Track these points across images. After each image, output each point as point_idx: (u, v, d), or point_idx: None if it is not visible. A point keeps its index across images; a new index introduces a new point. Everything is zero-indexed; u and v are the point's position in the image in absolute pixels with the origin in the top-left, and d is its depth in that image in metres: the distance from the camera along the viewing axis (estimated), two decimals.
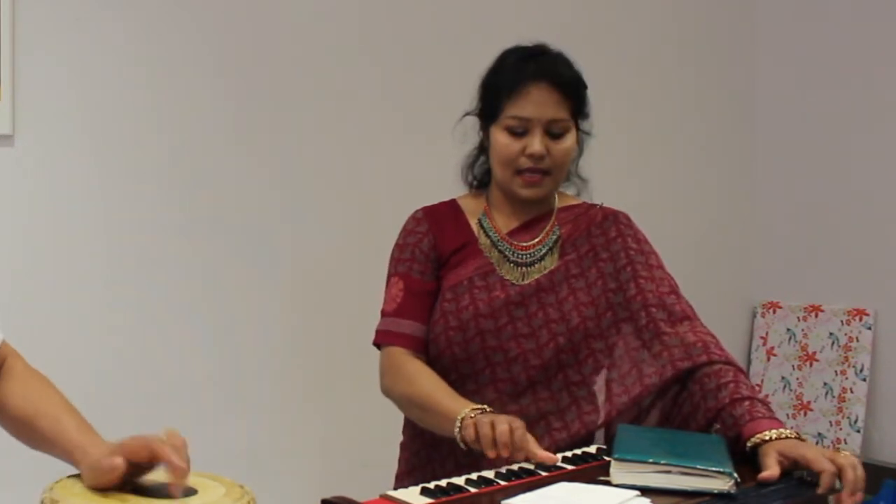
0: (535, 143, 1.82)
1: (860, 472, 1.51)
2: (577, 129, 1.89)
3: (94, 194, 2.57)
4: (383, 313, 1.92)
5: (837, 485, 1.51)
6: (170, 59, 2.68)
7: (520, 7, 3.31)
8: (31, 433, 1.43)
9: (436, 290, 1.90)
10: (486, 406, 1.73)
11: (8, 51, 2.39)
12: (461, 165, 2.01)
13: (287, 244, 2.90)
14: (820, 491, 1.49)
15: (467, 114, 1.96)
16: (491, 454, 1.59)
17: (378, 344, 1.92)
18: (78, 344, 2.55)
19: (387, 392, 1.89)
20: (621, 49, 3.61)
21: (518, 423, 1.63)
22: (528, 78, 1.83)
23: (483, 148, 1.97)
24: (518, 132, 1.83)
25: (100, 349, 2.59)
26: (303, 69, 2.91)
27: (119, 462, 1.26)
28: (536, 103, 1.82)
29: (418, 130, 3.07)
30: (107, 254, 2.60)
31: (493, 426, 1.61)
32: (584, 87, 1.89)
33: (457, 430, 1.69)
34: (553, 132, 1.83)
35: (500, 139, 1.85)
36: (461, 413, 1.70)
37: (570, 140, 1.86)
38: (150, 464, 1.29)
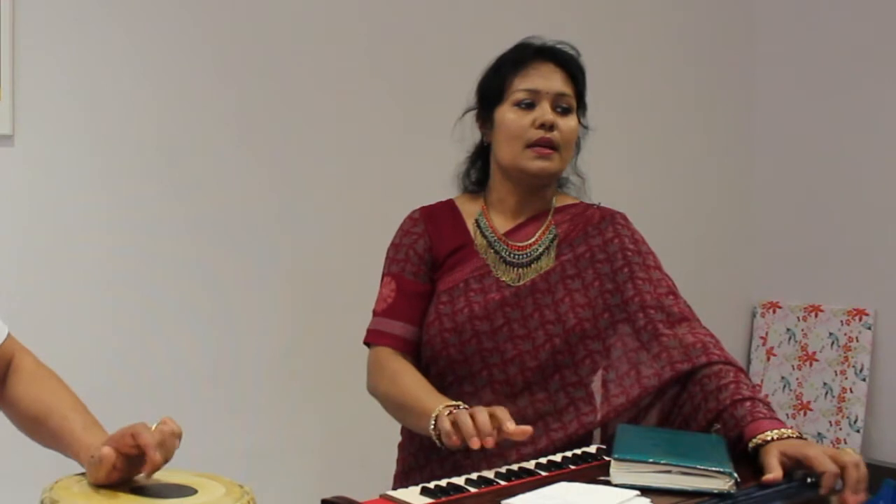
0: (546, 112, 1.84)
1: (863, 470, 1.51)
2: (578, 119, 1.90)
3: (93, 194, 2.57)
4: (374, 313, 1.92)
5: (839, 485, 1.51)
6: (170, 60, 2.68)
7: (520, 7, 3.31)
8: (41, 432, 1.44)
9: (428, 292, 1.90)
10: (460, 403, 1.71)
11: (8, 51, 2.40)
12: (457, 172, 2.01)
13: (287, 244, 2.90)
14: (822, 492, 1.49)
15: (469, 109, 1.97)
16: (474, 444, 1.54)
17: (368, 343, 1.92)
18: (77, 344, 2.55)
19: (371, 391, 1.89)
20: (621, 49, 3.61)
21: (497, 409, 1.60)
22: (532, 56, 1.88)
23: (479, 151, 1.97)
24: (527, 103, 1.85)
25: (99, 349, 2.59)
26: (303, 69, 2.91)
27: (107, 451, 1.25)
28: (544, 76, 1.86)
29: (418, 130, 3.07)
30: (107, 254, 2.60)
31: (473, 417, 1.57)
32: (584, 72, 1.92)
33: (431, 425, 1.67)
34: (560, 107, 1.85)
35: (509, 115, 1.86)
36: (436, 410, 1.69)
37: (574, 120, 1.88)
38: (140, 453, 1.29)
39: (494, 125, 1.89)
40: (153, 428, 1.30)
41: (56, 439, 1.41)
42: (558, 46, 1.91)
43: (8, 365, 1.52)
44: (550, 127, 1.83)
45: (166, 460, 1.30)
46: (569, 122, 1.87)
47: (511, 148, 1.86)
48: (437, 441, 1.67)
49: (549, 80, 1.86)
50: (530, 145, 1.84)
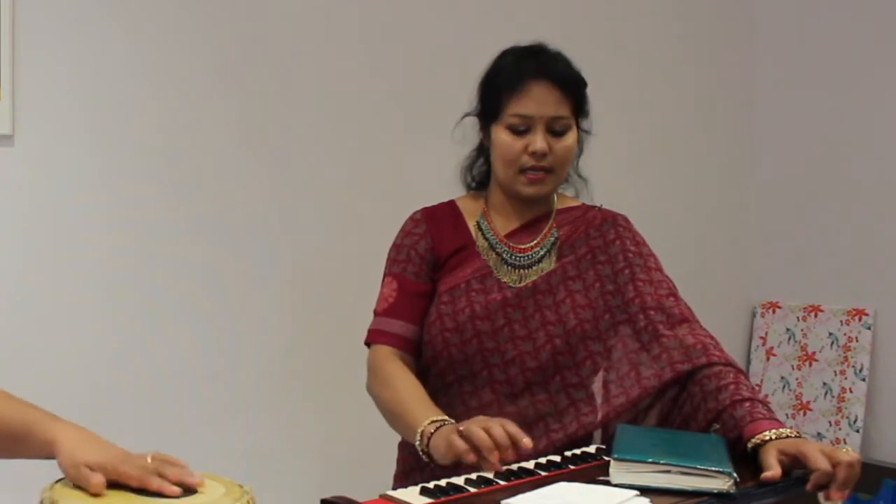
0: (538, 141, 1.81)
1: (856, 470, 1.51)
2: (578, 127, 1.89)
3: (94, 194, 2.57)
4: (375, 313, 1.92)
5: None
6: (170, 59, 2.68)
7: (520, 7, 3.31)
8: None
9: (429, 293, 1.90)
10: (445, 418, 1.69)
11: (8, 51, 2.40)
12: (460, 168, 2.01)
13: (287, 244, 2.90)
14: (808, 488, 1.50)
15: (467, 115, 1.96)
16: (494, 458, 1.54)
17: (368, 343, 1.92)
18: (78, 344, 2.56)
19: (368, 391, 1.89)
20: (621, 50, 3.61)
21: (507, 422, 1.60)
22: (529, 76, 1.83)
23: (482, 149, 1.97)
24: (520, 130, 1.83)
25: (100, 349, 2.59)
26: (303, 69, 2.91)
27: (99, 482, 1.25)
28: (538, 101, 1.82)
29: (418, 130, 3.07)
30: (107, 254, 2.60)
31: (488, 431, 1.55)
32: (584, 84, 1.89)
33: (417, 442, 1.67)
34: (555, 130, 1.83)
35: (503, 138, 1.84)
36: (421, 426, 1.68)
37: (571, 138, 1.86)
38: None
39: (491, 140, 1.89)
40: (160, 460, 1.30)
41: (18, 440, 1.35)
42: (555, 64, 1.85)
43: None
44: (543, 155, 1.83)
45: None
46: (564, 143, 1.84)
47: (504, 170, 1.86)
48: (423, 456, 1.67)
49: (543, 104, 1.82)
50: (523, 170, 1.84)
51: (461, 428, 1.59)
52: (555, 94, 1.82)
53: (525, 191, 1.86)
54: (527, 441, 1.57)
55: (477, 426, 1.57)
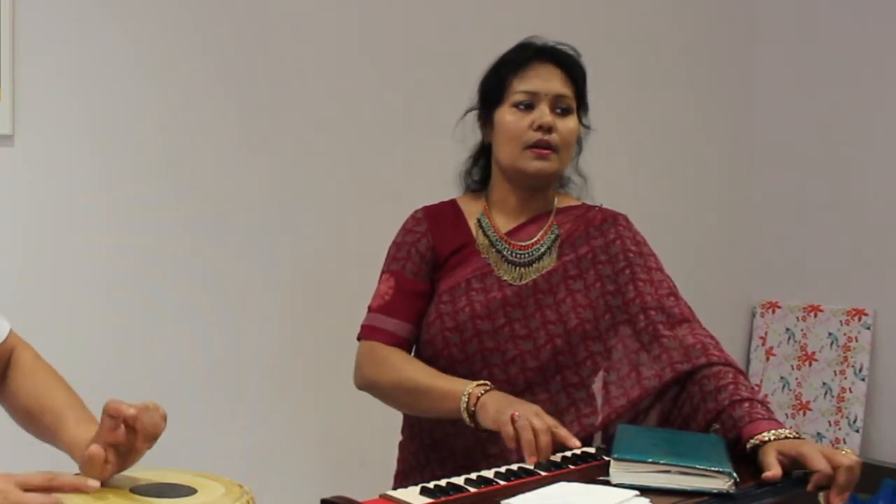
0: (545, 115, 1.84)
1: (856, 473, 1.51)
2: (579, 119, 1.90)
3: (94, 194, 2.58)
4: (370, 309, 1.92)
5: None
6: (170, 59, 2.68)
7: (520, 8, 3.32)
8: (37, 427, 1.45)
9: (426, 292, 1.90)
10: (489, 382, 1.74)
11: (8, 51, 2.40)
12: (460, 171, 2.02)
13: (287, 244, 2.90)
14: (808, 488, 1.51)
15: (469, 110, 1.97)
16: (531, 461, 1.58)
17: (360, 338, 1.92)
18: (77, 344, 2.55)
19: (366, 381, 1.88)
20: (621, 50, 3.61)
21: (557, 426, 1.64)
22: (533, 56, 1.88)
23: (482, 149, 1.97)
24: (526, 105, 1.85)
25: (99, 349, 2.59)
26: (303, 69, 2.91)
27: (95, 450, 1.25)
28: (543, 78, 1.86)
29: (418, 130, 3.07)
30: (107, 254, 2.60)
31: (536, 434, 1.60)
32: (585, 73, 1.92)
33: (463, 405, 1.70)
34: (559, 108, 1.86)
35: (508, 117, 1.86)
36: (467, 388, 1.71)
37: (574, 121, 1.89)
38: (128, 443, 1.29)
39: (494, 126, 1.90)
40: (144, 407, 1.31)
41: (51, 435, 1.42)
42: (558, 47, 1.91)
43: (9, 360, 1.53)
44: (549, 129, 1.84)
45: (155, 437, 1.30)
46: (568, 124, 1.87)
47: (510, 149, 1.86)
48: (468, 420, 1.70)
49: (547, 81, 1.86)
50: (529, 147, 1.85)
51: (515, 415, 1.62)
52: (559, 75, 1.87)
53: (531, 166, 1.86)
54: (574, 443, 1.63)
55: (528, 429, 1.60)
